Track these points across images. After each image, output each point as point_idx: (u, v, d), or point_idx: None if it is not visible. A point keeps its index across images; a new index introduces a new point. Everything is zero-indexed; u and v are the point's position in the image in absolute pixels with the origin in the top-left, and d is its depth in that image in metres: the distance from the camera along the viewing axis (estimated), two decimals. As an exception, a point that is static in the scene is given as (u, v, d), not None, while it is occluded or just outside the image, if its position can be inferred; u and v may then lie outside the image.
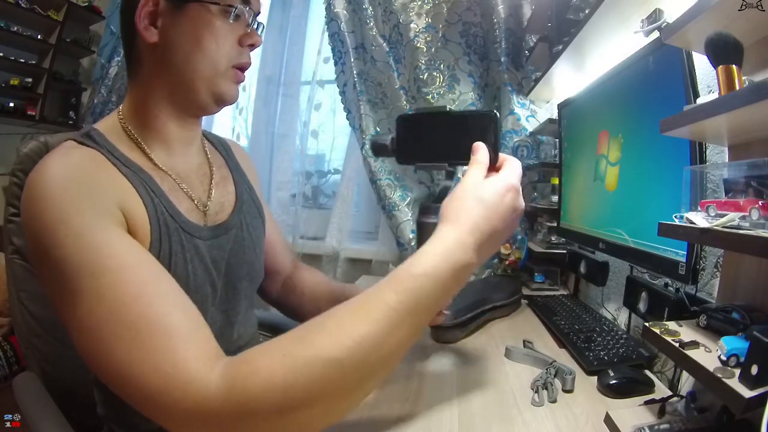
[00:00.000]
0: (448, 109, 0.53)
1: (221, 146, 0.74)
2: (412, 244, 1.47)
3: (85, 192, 0.46)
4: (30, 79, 2.30)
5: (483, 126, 0.50)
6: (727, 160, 0.59)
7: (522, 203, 0.48)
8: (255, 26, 0.62)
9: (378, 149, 0.57)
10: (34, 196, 0.45)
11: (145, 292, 0.42)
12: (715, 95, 0.46)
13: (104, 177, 0.50)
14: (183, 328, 0.42)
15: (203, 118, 0.65)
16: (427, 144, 0.54)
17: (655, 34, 0.70)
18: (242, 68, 0.60)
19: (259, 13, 0.62)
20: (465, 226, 0.43)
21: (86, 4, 2.40)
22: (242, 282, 0.66)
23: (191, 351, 0.40)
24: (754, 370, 0.37)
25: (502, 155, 0.49)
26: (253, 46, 0.61)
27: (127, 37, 0.58)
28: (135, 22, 0.54)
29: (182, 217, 0.57)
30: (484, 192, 0.45)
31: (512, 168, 0.48)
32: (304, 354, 0.38)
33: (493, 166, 0.48)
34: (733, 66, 0.44)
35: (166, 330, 0.41)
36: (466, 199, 0.45)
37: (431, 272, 0.41)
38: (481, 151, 0.48)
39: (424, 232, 0.51)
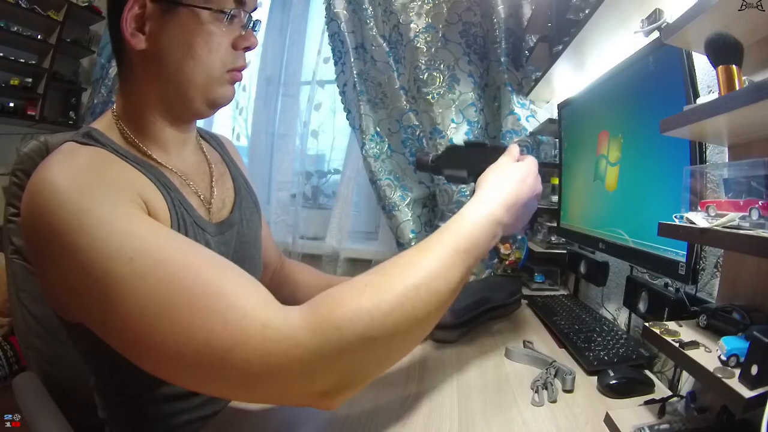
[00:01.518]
0: (485, 143, 0.69)
1: (215, 142, 0.74)
2: (413, 244, 1.47)
3: (102, 184, 0.44)
4: (30, 79, 2.31)
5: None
6: (727, 160, 0.59)
7: (540, 188, 0.60)
8: (251, 26, 0.59)
9: (421, 165, 0.72)
10: (42, 199, 0.42)
11: (190, 259, 0.40)
12: (715, 95, 0.46)
13: (117, 170, 0.49)
14: (240, 281, 0.41)
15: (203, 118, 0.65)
16: (459, 160, 0.68)
17: (655, 34, 0.70)
18: (239, 70, 0.59)
19: (255, 9, 0.59)
20: (499, 191, 0.54)
21: (86, 4, 2.40)
22: None
23: (256, 298, 0.39)
24: (754, 370, 0.37)
25: (521, 156, 0.63)
26: (248, 48, 0.59)
27: (115, 40, 0.55)
28: (121, 27, 0.51)
29: (195, 211, 0.57)
30: (514, 170, 0.57)
31: (532, 159, 0.61)
32: (385, 282, 0.42)
33: None
34: (733, 66, 0.44)
35: (224, 286, 0.39)
36: (500, 173, 0.57)
37: (476, 221, 0.50)
38: (514, 148, 0.62)
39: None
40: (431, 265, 0.44)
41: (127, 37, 0.51)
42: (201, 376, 0.38)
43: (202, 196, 0.61)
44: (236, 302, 0.38)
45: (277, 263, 0.87)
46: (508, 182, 0.55)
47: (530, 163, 0.60)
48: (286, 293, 0.85)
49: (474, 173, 0.64)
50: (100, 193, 0.43)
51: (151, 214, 0.48)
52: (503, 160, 0.60)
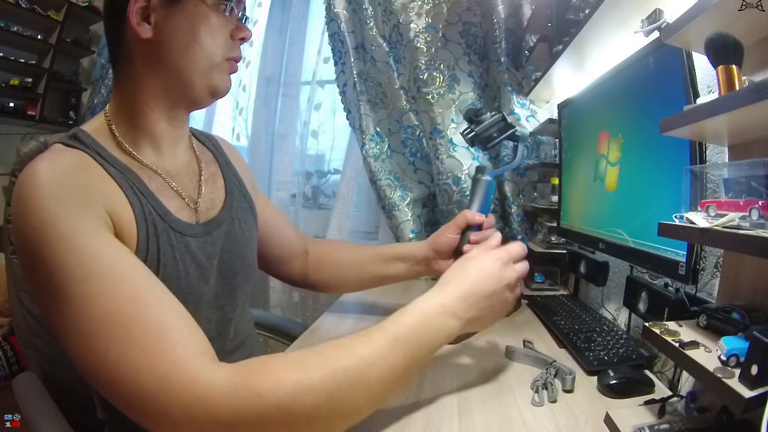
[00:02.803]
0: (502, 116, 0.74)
1: (210, 143, 0.74)
2: (412, 244, 1.47)
3: (73, 196, 0.46)
4: (30, 79, 2.31)
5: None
6: (727, 160, 0.59)
7: (514, 276, 0.57)
8: (244, 20, 0.63)
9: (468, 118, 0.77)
10: (22, 199, 0.45)
11: (138, 295, 0.42)
12: (715, 95, 0.46)
13: (91, 180, 0.50)
14: (179, 329, 0.42)
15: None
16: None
17: (655, 34, 0.70)
18: (235, 60, 0.62)
19: (245, 6, 0.64)
20: (455, 283, 0.53)
21: (86, 4, 2.40)
22: (237, 277, 0.66)
23: (190, 350, 0.40)
24: (754, 370, 0.37)
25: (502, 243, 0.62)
26: (243, 40, 0.62)
27: (113, 35, 0.57)
28: (127, 18, 0.53)
29: (171, 216, 0.57)
30: (478, 260, 0.56)
31: (507, 249, 0.59)
32: (315, 360, 0.43)
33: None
34: (733, 66, 0.44)
35: (162, 330, 0.40)
36: (462, 265, 0.57)
37: (423, 312, 0.50)
38: (495, 237, 0.63)
39: (476, 188, 0.73)
40: (365, 351, 0.44)
41: (134, 27, 0.54)
42: (127, 407, 0.40)
43: (186, 198, 0.61)
44: (169, 348, 0.40)
45: (305, 248, 0.87)
46: (468, 273, 0.54)
47: (502, 252, 0.58)
48: (327, 274, 0.87)
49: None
50: (70, 205, 0.45)
51: (116, 228, 0.49)
52: (473, 253, 0.59)
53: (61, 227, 0.43)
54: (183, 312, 0.44)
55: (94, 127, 0.57)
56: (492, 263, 0.56)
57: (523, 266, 0.59)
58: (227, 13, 0.58)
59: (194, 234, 0.59)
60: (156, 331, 0.40)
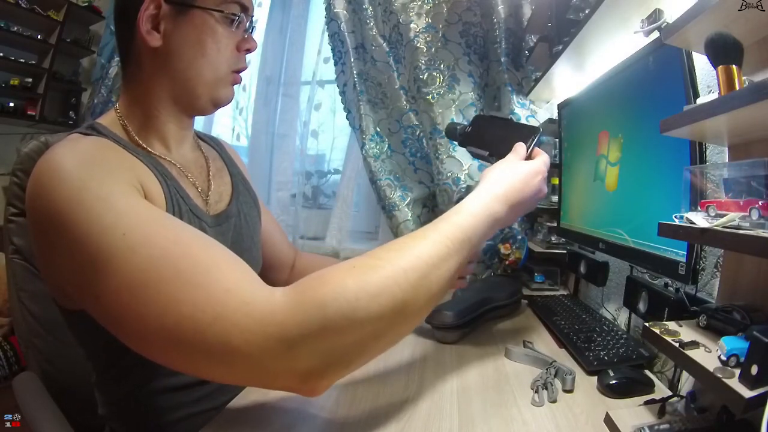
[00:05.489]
0: (509, 117, 0.73)
1: (213, 142, 0.76)
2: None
3: (103, 166, 0.46)
4: (30, 79, 2.31)
5: (527, 134, 0.65)
6: (727, 160, 0.59)
7: (545, 188, 0.61)
8: (251, 31, 0.64)
9: (450, 133, 0.78)
10: (46, 178, 0.44)
11: (181, 237, 0.41)
12: (715, 95, 0.46)
13: (118, 156, 0.51)
14: (228, 261, 0.41)
15: (203, 117, 0.67)
16: (484, 137, 0.72)
17: (655, 34, 0.70)
18: (240, 72, 0.63)
19: (253, 16, 0.64)
20: (502, 188, 0.55)
21: (86, 4, 2.40)
22: None
23: (242, 276, 0.40)
24: (754, 370, 0.37)
25: (536, 149, 0.64)
26: (249, 51, 0.63)
27: (124, 40, 0.58)
28: (137, 25, 0.54)
29: (191, 200, 0.59)
30: (521, 169, 0.58)
31: (543, 159, 0.62)
32: (374, 264, 0.41)
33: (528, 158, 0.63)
34: (733, 66, 0.44)
35: (212, 263, 0.40)
36: (506, 170, 0.58)
37: (475, 214, 0.51)
38: (521, 148, 0.62)
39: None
40: (423, 251, 0.44)
41: (143, 34, 0.54)
42: (182, 351, 0.38)
43: (199, 188, 0.63)
44: (221, 278, 0.39)
45: (293, 258, 0.89)
46: (514, 180, 0.56)
47: (539, 164, 0.60)
48: None
49: (496, 153, 0.66)
50: (100, 173, 0.45)
51: (147, 198, 0.49)
52: (511, 158, 0.61)
53: (97, 191, 0.42)
54: (227, 249, 0.43)
55: (108, 121, 0.58)
56: (535, 174, 0.59)
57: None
58: (232, 28, 0.59)
59: (207, 223, 0.61)
60: (205, 265, 0.39)
